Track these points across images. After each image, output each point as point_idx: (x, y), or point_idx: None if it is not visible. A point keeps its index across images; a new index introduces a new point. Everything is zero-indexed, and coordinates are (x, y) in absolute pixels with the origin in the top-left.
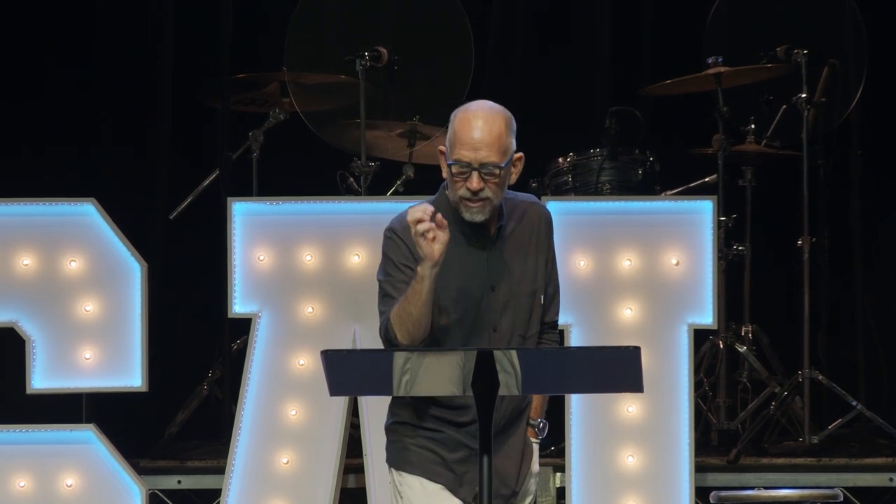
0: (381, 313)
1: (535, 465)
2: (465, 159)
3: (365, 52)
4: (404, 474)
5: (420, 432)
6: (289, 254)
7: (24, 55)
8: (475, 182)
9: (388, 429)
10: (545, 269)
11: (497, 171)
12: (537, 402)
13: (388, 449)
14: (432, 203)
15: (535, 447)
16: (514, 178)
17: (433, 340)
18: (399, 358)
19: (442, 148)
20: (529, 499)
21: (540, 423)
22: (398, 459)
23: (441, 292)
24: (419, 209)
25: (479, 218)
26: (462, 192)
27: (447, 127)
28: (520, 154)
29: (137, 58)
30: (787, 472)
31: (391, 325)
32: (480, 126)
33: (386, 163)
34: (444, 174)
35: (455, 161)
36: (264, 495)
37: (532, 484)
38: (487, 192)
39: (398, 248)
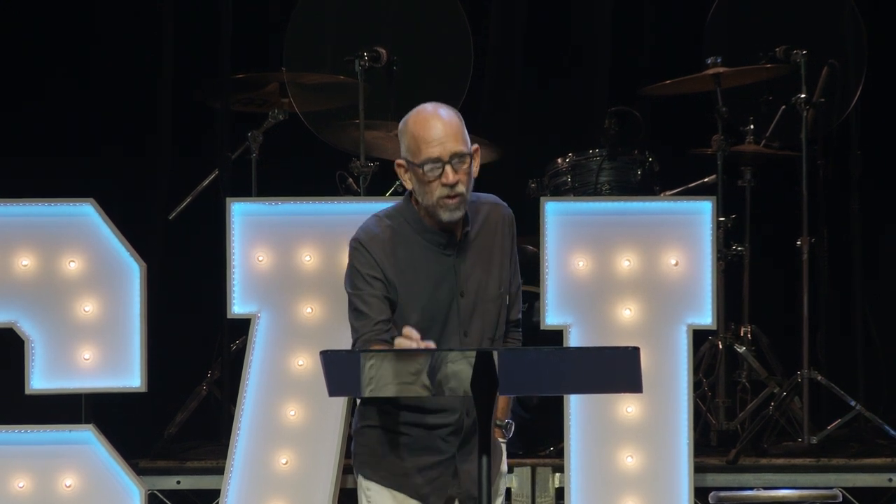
0: (355, 329)
1: (504, 466)
2: (435, 155)
3: (364, 53)
4: (371, 482)
5: (389, 436)
6: (288, 254)
7: (25, 55)
8: (451, 175)
9: (357, 432)
10: (509, 269)
11: (467, 160)
12: (503, 403)
13: (354, 452)
14: (397, 213)
15: (503, 448)
16: (475, 170)
17: None
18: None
19: (400, 162)
20: (500, 500)
21: (507, 423)
22: (364, 465)
23: (410, 300)
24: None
25: (457, 215)
26: (439, 191)
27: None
28: (476, 146)
29: (137, 58)
30: (786, 472)
31: None
32: (439, 121)
33: (385, 163)
34: (410, 185)
35: (425, 160)
36: (263, 496)
37: (501, 484)
38: (461, 187)
39: (365, 259)
